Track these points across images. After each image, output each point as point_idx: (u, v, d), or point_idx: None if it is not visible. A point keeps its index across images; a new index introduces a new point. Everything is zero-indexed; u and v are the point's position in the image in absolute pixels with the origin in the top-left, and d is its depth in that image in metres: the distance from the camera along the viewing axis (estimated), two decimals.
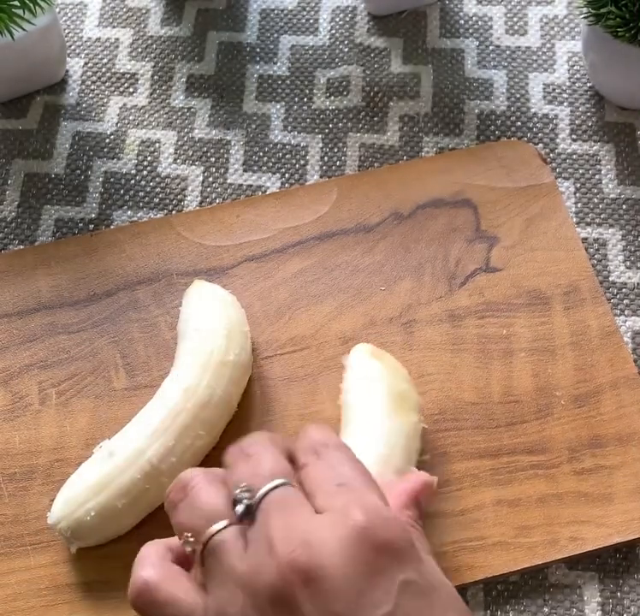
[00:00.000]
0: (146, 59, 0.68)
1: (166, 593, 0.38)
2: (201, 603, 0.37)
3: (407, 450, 0.47)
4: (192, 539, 0.38)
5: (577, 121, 0.64)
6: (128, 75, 0.67)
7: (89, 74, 0.67)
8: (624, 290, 0.58)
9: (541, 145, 0.63)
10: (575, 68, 0.66)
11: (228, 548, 0.37)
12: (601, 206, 0.60)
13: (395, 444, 0.46)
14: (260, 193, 0.62)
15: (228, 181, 0.63)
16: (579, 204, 0.61)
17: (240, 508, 0.37)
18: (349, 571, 0.35)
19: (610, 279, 0.58)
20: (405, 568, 0.35)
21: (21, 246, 0.60)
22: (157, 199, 0.62)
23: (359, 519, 0.36)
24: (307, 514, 0.37)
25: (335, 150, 0.63)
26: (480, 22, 0.68)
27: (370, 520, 0.36)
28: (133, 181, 0.63)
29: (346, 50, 0.68)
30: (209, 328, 0.51)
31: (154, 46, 0.68)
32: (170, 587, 0.38)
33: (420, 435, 0.48)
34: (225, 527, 0.37)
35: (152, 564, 0.39)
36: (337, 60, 0.67)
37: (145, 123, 0.65)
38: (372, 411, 0.48)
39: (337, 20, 0.69)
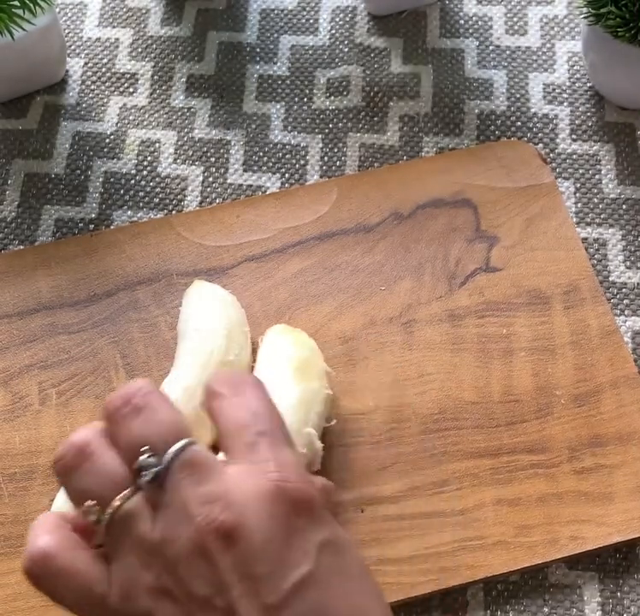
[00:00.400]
0: (146, 59, 0.68)
1: (64, 563, 0.35)
2: (103, 575, 0.35)
3: (305, 413, 0.48)
4: (97, 508, 0.36)
5: (577, 121, 0.64)
6: (128, 75, 0.67)
7: (89, 74, 0.67)
8: (624, 290, 0.58)
9: (541, 145, 0.63)
10: (575, 68, 0.66)
11: (137, 517, 0.35)
12: (601, 206, 0.60)
13: (291, 406, 0.48)
14: (260, 193, 0.62)
15: (228, 181, 0.63)
16: (579, 204, 0.61)
17: (147, 477, 0.35)
18: (269, 532, 0.34)
19: (610, 279, 0.58)
20: (322, 528, 0.35)
21: (21, 246, 0.61)
22: (157, 199, 0.62)
23: (278, 478, 0.35)
24: (220, 473, 0.36)
25: (335, 150, 0.63)
26: (480, 22, 0.68)
27: (288, 479, 0.35)
28: (133, 181, 0.63)
29: (346, 50, 0.68)
30: (209, 328, 0.51)
31: (154, 46, 0.68)
32: (69, 557, 0.35)
33: (324, 401, 0.49)
34: (133, 494, 0.36)
35: (49, 531, 0.36)
36: (337, 60, 0.67)
37: (145, 123, 0.65)
38: (274, 377, 0.49)
39: (337, 20, 0.69)
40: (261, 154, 0.64)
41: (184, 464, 0.36)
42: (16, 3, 0.57)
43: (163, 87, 0.67)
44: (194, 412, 0.48)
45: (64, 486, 0.37)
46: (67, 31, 0.69)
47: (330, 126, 0.64)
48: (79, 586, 0.35)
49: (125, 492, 0.36)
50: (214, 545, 0.34)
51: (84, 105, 0.66)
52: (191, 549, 0.34)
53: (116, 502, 0.35)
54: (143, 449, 0.36)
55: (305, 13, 0.69)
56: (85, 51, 0.68)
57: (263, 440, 0.37)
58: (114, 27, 0.69)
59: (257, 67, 0.67)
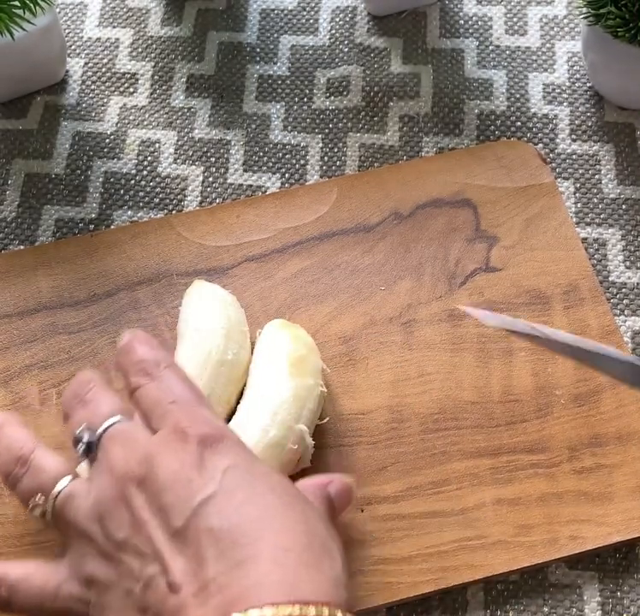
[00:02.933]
0: (146, 59, 0.68)
1: (17, 577, 0.40)
2: (52, 570, 0.39)
3: (297, 409, 0.48)
4: (40, 501, 0.40)
5: (576, 121, 0.64)
6: (128, 75, 0.67)
7: (89, 74, 0.67)
8: (624, 290, 0.58)
9: (541, 145, 0.63)
10: (575, 68, 0.66)
11: (74, 495, 0.39)
12: (600, 206, 0.60)
13: (284, 402, 0.48)
14: (260, 193, 0.62)
15: (228, 181, 0.63)
16: (579, 204, 0.61)
17: (81, 447, 0.40)
18: (176, 467, 0.37)
19: (610, 279, 0.58)
20: (230, 456, 0.38)
21: (21, 246, 0.61)
22: (157, 199, 0.62)
23: (185, 424, 0.39)
24: (143, 437, 0.40)
25: (335, 150, 0.63)
26: (480, 22, 0.68)
27: (192, 422, 0.39)
28: (133, 181, 0.63)
29: (346, 50, 0.68)
30: (208, 328, 0.51)
31: (154, 46, 0.68)
32: (20, 570, 0.40)
33: (318, 398, 0.49)
34: (71, 480, 0.40)
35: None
36: (337, 60, 0.67)
37: (145, 123, 0.65)
38: (270, 372, 0.49)
39: (337, 20, 0.69)
40: (261, 154, 0.64)
41: (113, 435, 0.40)
42: (16, 3, 0.57)
43: (163, 87, 0.67)
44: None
45: (15, 493, 0.42)
46: (67, 31, 0.69)
47: (330, 126, 0.64)
48: (33, 590, 0.39)
49: (64, 479, 0.40)
50: (128, 490, 0.37)
51: (84, 105, 0.66)
52: (110, 500, 0.38)
53: (56, 489, 0.40)
54: (81, 428, 0.41)
55: (305, 13, 0.69)
56: (86, 51, 0.68)
57: (174, 406, 0.40)
58: (114, 27, 0.69)
59: (257, 67, 0.67)
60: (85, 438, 0.40)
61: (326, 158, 0.63)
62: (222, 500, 0.36)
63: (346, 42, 0.68)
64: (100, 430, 0.41)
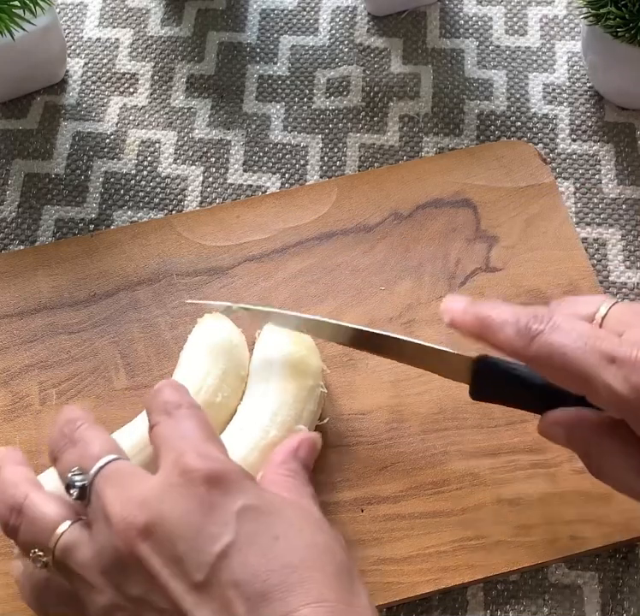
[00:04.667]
0: (146, 59, 0.68)
1: None
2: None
3: (298, 410, 0.48)
4: (40, 553, 0.37)
5: (576, 121, 0.64)
6: (128, 75, 0.67)
7: (89, 74, 0.67)
8: (624, 290, 0.58)
9: (541, 145, 0.63)
10: (575, 68, 0.66)
11: (76, 545, 0.37)
12: (600, 206, 0.60)
13: (284, 403, 0.48)
14: (260, 193, 0.62)
15: (228, 181, 0.63)
16: (579, 204, 0.61)
17: (74, 492, 0.37)
18: (183, 512, 0.35)
19: (610, 279, 0.58)
20: (239, 496, 0.36)
21: (21, 247, 0.61)
22: (157, 199, 0.62)
23: (188, 463, 0.36)
24: (140, 478, 0.37)
25: (335, 150, 0.63)
26: (480, 22, 0.68)
27: (196, 460, 0.36)
28: (133, 181, 0.63)
29: (346, 50, 0.68)
30: (204, 368, 0.50)
31: (154, 46, 0.68)
32: None
33: (318, 399, 0.49)
34: (68, 527, 0.37)
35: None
36: (337, 60, 0.67)
37: (145, 123, 0.65)
38: (270, 374, 0.49)
39: (337, 20, 0.69)
40: (261, 154, 0.64)
41: (106, 476, 0.37)
42: (16, 3, 0.57)
43: (163, 87, 0.67)
44: None
45: (16, 542, 0.39)
46: (67, 31, 0.69)
47: (330, 126, 0.64)
48: None
49: (61, 526, 0.37)
50: (134, 542, 0.35)
51: (84, 105, 0.66)
52: (117, 555, 0.35)
53: (54, 540, 0.37)
54: (73, 470, 0.38)
55: (305, 13, 0.69)
56: (85, 51, 0.68)
57: (182, 442, 0.38)
58: (114, 27, 0.69)
59: (257, 67, 0.67)
60: (78, 482, 0.38)
61: (326, 158, 0.63)
62: (242, 548, 0.34)
63: (346, 42, 0.68)
64: (92, 472, 0.38)
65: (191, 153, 0.64)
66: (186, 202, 0.62)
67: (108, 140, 0.65)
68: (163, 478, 0.37)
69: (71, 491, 0.38)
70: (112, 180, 0.63)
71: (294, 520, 0.37)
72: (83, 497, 0.37)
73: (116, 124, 0.65)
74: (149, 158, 0.64)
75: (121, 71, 0.67)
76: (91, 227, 0.61)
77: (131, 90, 0.67)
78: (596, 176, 0.61)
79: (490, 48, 0.67)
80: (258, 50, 0.68)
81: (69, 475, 0.38)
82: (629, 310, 0.39)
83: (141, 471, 0.38)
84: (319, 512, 0.39)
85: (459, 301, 0.42)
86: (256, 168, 0.63)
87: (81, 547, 0.37)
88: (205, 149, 0.64)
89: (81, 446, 0.39)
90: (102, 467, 0.38)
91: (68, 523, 0.38)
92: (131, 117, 0.65)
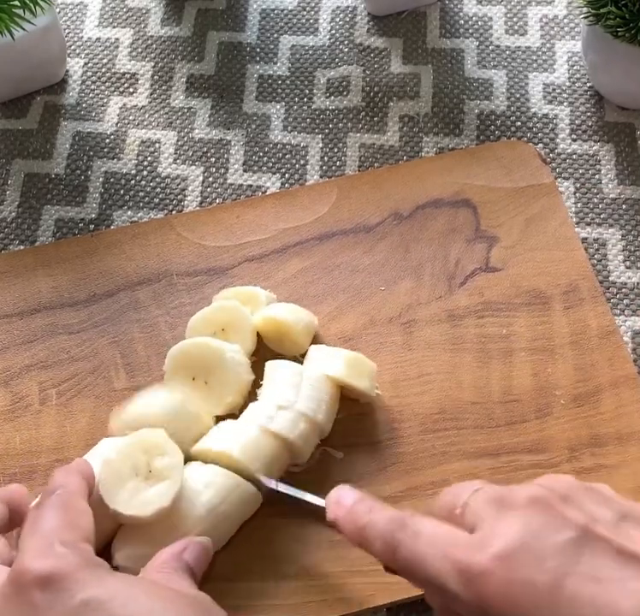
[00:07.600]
0: (146, 59, 0.68)
1: None
2: None
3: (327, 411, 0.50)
4: None
5: (577, 121, 0.64)
6: (128, 75, 0.67)
7: (89, 74, 0.67)
8: (623, 290, 0.58)
9: (541, 145, 0.63)
10: (575, 68, 0.66)
11: None
12: (600, 206, 0.60)
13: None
14: (260, 193, 0.62)
15: (228, 181, 0.63)
16: (579, 204, 0.61)
17: None
18: None
19: (610, 279, 0.58)
20: (77, 590, 0.35)
21: (21, 247, 0.61)
22: (157, 199, 0.62)
23: (23, 565, 0.36)
24: None
25: (335, 150, 0.63)
26: (480, 22, 0.68)
27: (32, 561, 0.36)
28: (133, 181, 0.63)
29: (346, 50, 0.68)
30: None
31: (154, 46, 0.68)
32: None
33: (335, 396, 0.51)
34: None
35: None
36: (337, 60, 0.67)
37: (145, 123, 0.65)
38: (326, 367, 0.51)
39: (337, 20, 0.69)
40: (261, 154, 0.64)
41: None
42: (16, 3, 0.57)
43: (163, 87, 0.67)
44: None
45: None
46: (67, 31, 0.69)
47: (330, 126, 0.64)
48: None
49: None
50: None
51: (84, 105, 0.66)
52: None
53: None
54: None
55: (305, 13, 0.69)
56: (86, 51, 0.68)
57: (30, 541, 0.38)
58: (114, 27, 0.69)
59: (257, 67, 0.67)
60: None
61: (326, 158, 0.63)
62: None
63: (346, 42, 0.68)
64: None
65: (191, 153, 0.64)
66: (186, 202, 0.62)
67: (108, 140, 0.65)
68: (0, 588, 0.36)
69: None
70: (112, 180, 0.63)
71: (145, 601, 0.36)
72: None
73: (116, 124, 0.65)
74: (149, 158, 0.64)
75: (121, 71, 0.67)
76: (91, 227, 0.61)
77: (131, 90, 0.67)
78: (596, 176, 0.61)
79: (490, 48, 0.67)
80: (258, 49, 0.68)
81: None
82: (482, 500, 0.38)
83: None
84: (195, 591, 0.39)
85: (346, 497, 0.41)
86: (256, 169, 0.63)
87: None
88: (205, 149, 0.64)
89: None
90: None
91: None
92: (131, 117, 0.65)
